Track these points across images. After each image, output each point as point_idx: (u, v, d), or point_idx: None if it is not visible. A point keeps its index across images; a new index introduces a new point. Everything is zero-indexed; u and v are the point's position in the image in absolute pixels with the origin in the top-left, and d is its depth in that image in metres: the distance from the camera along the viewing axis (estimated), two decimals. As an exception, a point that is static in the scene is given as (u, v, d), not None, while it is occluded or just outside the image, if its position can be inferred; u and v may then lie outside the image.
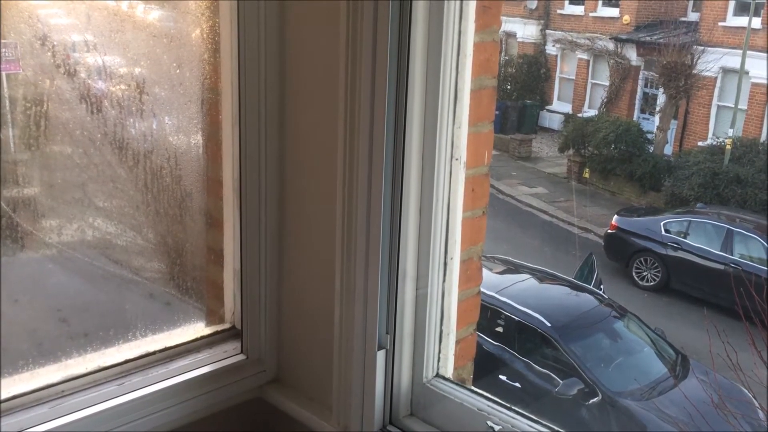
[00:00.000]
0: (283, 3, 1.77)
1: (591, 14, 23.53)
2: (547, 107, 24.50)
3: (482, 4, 1.63)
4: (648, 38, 21.13)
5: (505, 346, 8.54)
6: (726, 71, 19.58)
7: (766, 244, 12.54)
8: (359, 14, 1.56)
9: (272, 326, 1.94)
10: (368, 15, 1.54)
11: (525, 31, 25.19)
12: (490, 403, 1.65)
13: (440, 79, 1.58)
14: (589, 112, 22.28)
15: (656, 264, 13.38)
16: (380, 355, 1.68)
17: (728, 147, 16.87)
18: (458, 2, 1.56)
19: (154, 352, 1.84)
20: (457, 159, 1.64)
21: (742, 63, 18.04)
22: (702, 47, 19.61)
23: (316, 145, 1.78)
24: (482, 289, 1.92)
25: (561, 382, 8.02)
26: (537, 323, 8.51)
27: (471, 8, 1.58)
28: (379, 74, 1.55)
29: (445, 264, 1.70)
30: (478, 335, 1.97)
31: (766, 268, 11.82)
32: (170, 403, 1.78)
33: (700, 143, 19.26)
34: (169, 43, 1.87)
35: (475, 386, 1.82)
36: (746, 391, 7.56)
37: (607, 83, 22.53)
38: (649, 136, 19.62)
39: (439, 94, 1.58)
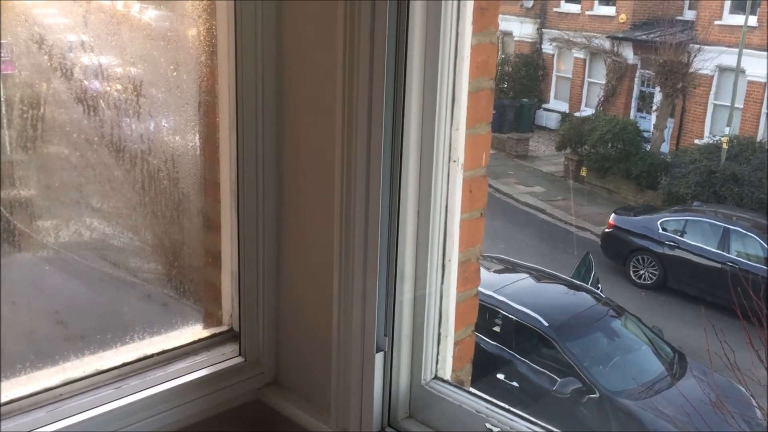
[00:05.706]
0: (281, 4, 1.77)
1: (587, 12, 23.55)
2: (544, 106, 24.51)
3: (479, 5, 1.62)
4: (644, 37, 21.15)
5: (503, 346, 8.54)
6: (722, 69, 19.62)
7: (763, 242, 12.56)
8: (357, 18, 1.55)
9: (270, 328, 1.94)
10: (366, 18, 1.54)
11: (521, 29, 25.20)
12: (489, 405, 1.65)
13: (438, 81, 1.57)
14: (586, 111, 22.31)
15: (653, 262, 13.39)
16: (378, 358, 1.68)
17: (725, 145, 16.90)
18: (455, 4, 1.56)
19: (151, 355, 1.83)
20: (454, 161, 1.64)
21: (738, 61, 18.06)
22: (698, 46, 19.64)
23: (313, 147, 1.78)
24: (480, 289, 1.92)
25: (558, 380, 8.03)
26: (534, 322, 8.52)
27: (468, 10, 1.58)
28: (377, 76, 1.55)
29: (443, 266, 1.69)
30: (476, 335, 1.97)
31: (763, 266, 11.85)
32: (168, 406, 1.78)
33: (696, 141, 19.29)
34: (166, 45, 1.87)
35: (472, 385, 1.82)
36: (744, 390, 7.57)
37: (604, 82, 22.55)
38: (646, 134, 19.65)
39: (436, 96, 1.58)
